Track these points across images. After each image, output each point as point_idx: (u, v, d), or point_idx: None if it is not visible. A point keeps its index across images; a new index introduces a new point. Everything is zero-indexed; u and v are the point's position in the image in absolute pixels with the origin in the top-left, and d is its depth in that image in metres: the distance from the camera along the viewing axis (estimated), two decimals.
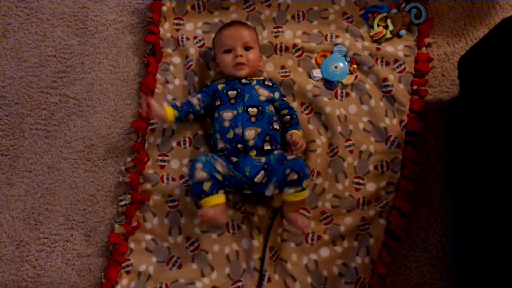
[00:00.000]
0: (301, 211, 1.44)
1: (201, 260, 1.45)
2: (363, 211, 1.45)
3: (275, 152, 1.40)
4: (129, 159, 1.56)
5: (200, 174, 1.32)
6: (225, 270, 1.43)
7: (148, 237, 1.49)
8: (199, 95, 1.50)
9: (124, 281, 1.45)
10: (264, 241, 1.44)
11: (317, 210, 1.46)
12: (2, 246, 1.52)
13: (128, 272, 1.46)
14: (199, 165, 1.33)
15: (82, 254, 1.51)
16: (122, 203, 1.52)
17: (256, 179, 1.36)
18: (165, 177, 1.52)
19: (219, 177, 1.35)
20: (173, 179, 1.52)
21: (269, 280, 1.39)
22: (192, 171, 1.34)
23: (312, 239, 1.44)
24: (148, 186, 1.51)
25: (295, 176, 1.30)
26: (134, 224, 1.49)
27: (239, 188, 1.41)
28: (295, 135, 1.43)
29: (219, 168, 1.35)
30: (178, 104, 1.48)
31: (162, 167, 1.54)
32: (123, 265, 1.46)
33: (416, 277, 1.43)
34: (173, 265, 1.46)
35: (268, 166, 1.36)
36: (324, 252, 1.44)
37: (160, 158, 1.54)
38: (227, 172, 1.36)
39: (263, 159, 1.38)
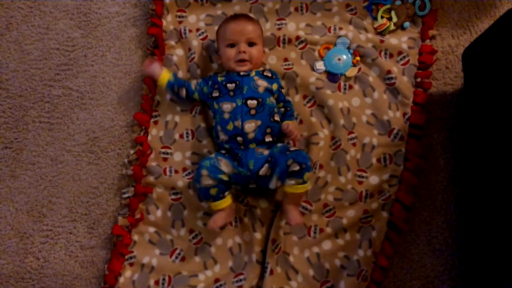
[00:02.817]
0: (304, 204, 1.44)
1: (204, 253, 1.46)
2: (365, 204, 1.45)
3: (278, 145, 1.39)
4: (132, 152, 1.56)
5: (206, 180, 1.34)
6: (228, 263, 1.44)
7: (152, 229, 1.50)
8: (199, 80, 1.53)
9: (128, 273, 1.46)
10: (267, 234, 1.45)
11: (320, 203, 1.46)
12: (6, 238, 1.54)
13: (131, 264, 1.47)
14: (204, 172, 1.34)
15: (86, 246, 1.52)
16: (125, 195, 1.53)
17: (260, 172, 1.36)
18: (168, 169, 1.53)
19: (225, 178, 1.36)
20: (176, 172, 1.52)
21: (271, 272, 1.39)
22: (198, 177, 1.36)
23: (315, 232, 1.44)
24: (151, 178, 1.52)
25: (297, 167, 1.29)
26: (138, 216, 1.49)
27: (244, 183, 1.42)
28: (291, 125, 1.43)
29: (224, 169, 1.36)
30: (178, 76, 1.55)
31: (165, 159, 1.54)
32: (126, 257, 1.47)
33: (419, 269, 1.43)
34: (176, 257, 1.47)
35: (271, 158, 1.36)
36: (326, 244, 1.44)
37: (163, 150, 1.55)
38: (232, 171, 1.37)
39: (266, 152, 1.38)
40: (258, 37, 1.48)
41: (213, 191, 1.34)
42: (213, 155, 1.40)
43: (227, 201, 1.38)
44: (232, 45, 1.46)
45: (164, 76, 1.51)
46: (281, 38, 1.60)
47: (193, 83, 1.52)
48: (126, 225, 1.49)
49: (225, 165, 1.36)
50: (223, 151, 1.43)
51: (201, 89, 1.50)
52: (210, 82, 1.49)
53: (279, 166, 1.32)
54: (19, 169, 1.59)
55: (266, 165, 1.36)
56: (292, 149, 1.34)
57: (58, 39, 1.70)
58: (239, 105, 1.40)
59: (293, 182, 1.31)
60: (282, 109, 1.50)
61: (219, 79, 1.47)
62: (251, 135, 1.38)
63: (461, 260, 1.42)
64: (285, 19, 1.63)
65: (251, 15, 1.63)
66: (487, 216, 1.26)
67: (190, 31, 1.63)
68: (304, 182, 1.32)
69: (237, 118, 1.38)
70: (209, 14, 1.66)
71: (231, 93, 1.43)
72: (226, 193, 1.38)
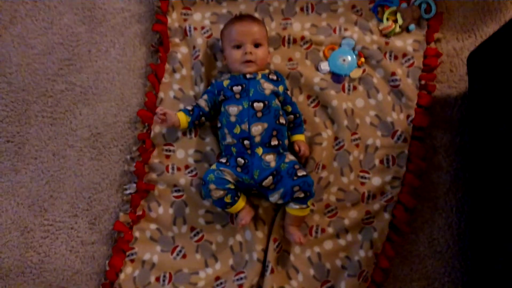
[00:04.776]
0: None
1: (205, 251, 1.46)
2: (367, 205, 1.45)
3: (286, 160, 1.39)
4: (134, 148, 1.55)
5: (217, 193, 1.36)
6: (229, 261, 1.44)
7: (153, 226, 1.50)
8: (205, 96, 1.50)
9: (128, 269, 1.46)
10: (268, 233, 1.45)
11: (322, 203, 1.46)
12: (7, 232, 1.53)
13: (132, 261, 1.46)
14: (212, 186, 1.36)
15: (86, 241, 1.51)
16: (127, 192, 1.52)
17: (264, 183, 1.37)
18: (170, 167, 1.52)
19: (232, 187, 1.38)
20: (178, 169, 1.52)
21: (272, 271, 1.39)
22: (207, 192, 1.38)
23: (316, 232, 1.45)
24: (153, 175, 1.52)
25: (302, 195, 1.33)
26: (139, 213, 1.49)
27: (247, 190, 1.44)
28: (303, 146, 1.46)
29: (229, 178, 1.38)
30: (189, 108, 1.49)
31: (167, 156, 1.54)
32: (127, 253, 1.47)
33: (420, 271, 1.43)
34: (177, 254, 1.47)
35: (277, 173, 1.37)
36: (328, 245, 1.44)
37: (165, 147, 1.55)
38: (235, 179, 1.39)
39: (273, 163, 1.38)
40: (263, 37, 1.48)
41: (227, 199, 1.37)
42: (214, 166, 1.41)
43: (242, 202, 1.41)
44: (238, 47, 1.46)
45: (182, 119, 1.47)
46: (286, 38, 1.60)
47: (203, 104, 1.49)
48: (128, 221, 1.48)
49: (228, 175, 1.38)
50: (223, 160, 1.43)
51: (212, 103, 1.49)
52: (215, 91, 1.48)
53: (284, 188, 1.34)
54: (21, 163, 1.58)
55: (270, 177, 1.37)
56: (299, 173, 1.35)
57: (62, 34, 1.70)
58: (246, 107, 1.40)
59: (297, 207, 1.35)
60: (291, 116, 1.49)
61: (224, 83, 1.46)
62: (257, 139, 1.38)
63: (462, 262, 1.43)
64: (290, 19, 1.63)
65: (257, 14, 1.63)
66: (489, 218, 1.26)
67: (195, 29, 1.62)
68: (307, 206, 1.36)
69: (244, 121, 1.38)
70: (214, 12, 1.66)
71: (237, 96, 1.42)
72: (239, 193, 1.41)
